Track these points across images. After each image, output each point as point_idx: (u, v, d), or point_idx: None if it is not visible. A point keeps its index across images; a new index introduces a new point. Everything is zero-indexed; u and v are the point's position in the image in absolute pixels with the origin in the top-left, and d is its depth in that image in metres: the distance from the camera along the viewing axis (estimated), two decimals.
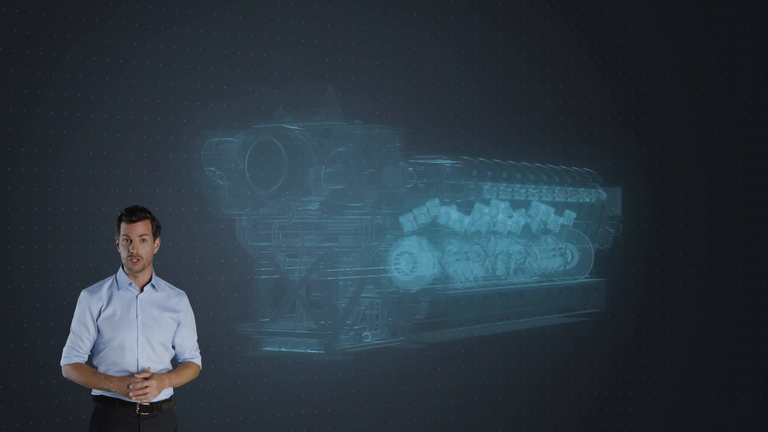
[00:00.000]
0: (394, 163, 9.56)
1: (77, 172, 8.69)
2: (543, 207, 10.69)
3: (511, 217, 10.57)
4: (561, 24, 10.55)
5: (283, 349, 9.68)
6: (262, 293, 9.78)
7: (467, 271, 10.20)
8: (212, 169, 9.54)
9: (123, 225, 4.89)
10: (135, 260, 4.89)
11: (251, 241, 9.68)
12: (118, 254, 4.96)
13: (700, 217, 10.65)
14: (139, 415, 4.87)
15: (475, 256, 10.25)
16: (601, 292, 10.83)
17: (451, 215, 10.09)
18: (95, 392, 4.91)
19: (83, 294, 4.94)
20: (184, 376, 5.03)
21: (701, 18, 10.60)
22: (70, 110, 8.63)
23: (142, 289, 4.96)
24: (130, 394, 4.80)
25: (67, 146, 8.62)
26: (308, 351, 9.61)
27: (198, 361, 5.12)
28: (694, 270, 10.63)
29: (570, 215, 10.80)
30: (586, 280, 11.03)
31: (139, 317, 4.92)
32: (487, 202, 10.47)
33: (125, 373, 4.87)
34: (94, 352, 4.94)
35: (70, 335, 4.92)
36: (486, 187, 10.37)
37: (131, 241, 4.88)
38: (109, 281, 4.97)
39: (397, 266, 9.85)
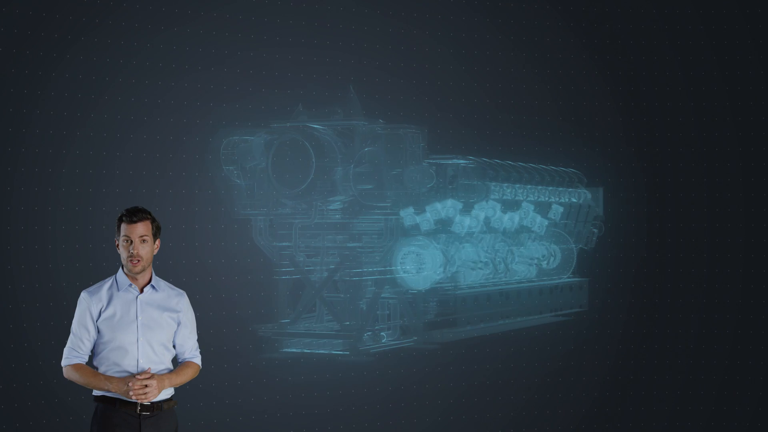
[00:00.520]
0: (418, 162, 9.60)
1: (77, 172, 8.69)
2: (531, 207, 10.70)
3: (512, 217, 10.59)
4: (549, 23, 10.55)
5: (306, 350, 9.68)
6: (282, 294, 9.76)
7: (477, 273, 10.22)
8: (231, 168, 9.52)
9: (123, 226, 4.90)
10: (135, 261, 4.90)
11: (269, 241, 9.66)
12: (118, 255, 4.96)
13: (683, 217, 10.65)
14: (140, 415, 4.88)
15: (486, 256, 10.28)
16: (584, 292, 10.86)
17: (459, 215, 10.09)
18: (96, 392, 4.92)
19: (83, 295, 4.95)
20: (185, 376, 5.03)
21: (701, 18, 10.60)
22: (70, 110, 8.63)
23: (142, 290, 4.97)
24: (130, 394, 4.81)
25: (67, 146, 8.62)
26: (333, 352, 9.62)
27: (198, 360, 5.13)
28: (681, 269, 10.63)
29: (557, 209, 10.82)
30: (569, 279, 11.06)
31: (139, 318, 4.92)
32: (517, 204, 10.53)
33: (126, 374, 4.88)
34: (94, 353, 4.94)
35: (71, 336, 4.93)
36: (494, 187, 10.41)
37: (131, 241, 4.89)
38: (108, 282, 4.98)
39: (405, 266, 9.85)
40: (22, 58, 8.35)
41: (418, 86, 10.21)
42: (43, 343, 8.25)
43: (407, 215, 9.68)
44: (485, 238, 10.42)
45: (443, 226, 9.92)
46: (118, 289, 4.95)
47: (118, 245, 4.95)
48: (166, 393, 4.98)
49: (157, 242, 4.98)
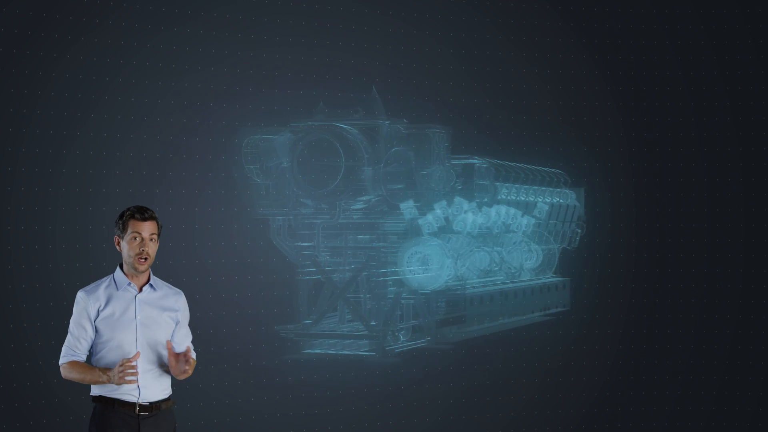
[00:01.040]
0: (443, 162, 9.61)
1: (77, 172, 8.70)
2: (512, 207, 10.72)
3: (519, 217, 10.62)
4: (549, 23, 10.55)
5: (331, 351, 9.68)
6: (303, 294, 9.74)
7: (481, 272, 10.24)
8: (252, 167, 9.49)
9: (133, 223, 4.84)
10: (143, 259, 4.86)
11: (288, 241, 9.65)
12: (118, 254, 4.94)
13: (683, 217, 10.64)
14: (138, 415, 4.87)
15: (495, 256, 10.30)
16: (566, 291, 10.88)
17: (469, 215, 10.10)
18: (94, 393, 4.91)
19: (80, 294, 4.91)
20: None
21: (701, 18, 10.60)
22: (70, 110, 8.64)
23: (140, 289, 4.96)
24: (120, 376, 4.75)
25: (67, 146, 8.63)
26: (359, 353, 9.62)
27: (194, 358, 5.13)
28: (668, 269, 10.63)
29: (542, 209, 10.83)
30: (552, 279, 11.08)
31: (138, 317, 4.91)
32: (531, 206, 10.55)
33: None
34: (92, 353, 4.93)
35: (68, 336, 4.91)
36: (504, 187, 10.43)
37: (142, 239, 4.85)
38: (106, 281, 4.95)
39: (414, 267, 9.85)
40: (22, 58, 8.35)
41: (419, 86, 10.20)
42: (43, 343, 8.25)
43: (407, 208, 9.66)
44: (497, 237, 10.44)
45: (448, 225, 9.93)
46: (117, 288, 4.92)
47: (118, 243, 4.92)
48: (164, 393, 4.98)
49: (158, 243, 4.97)
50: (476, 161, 10.10)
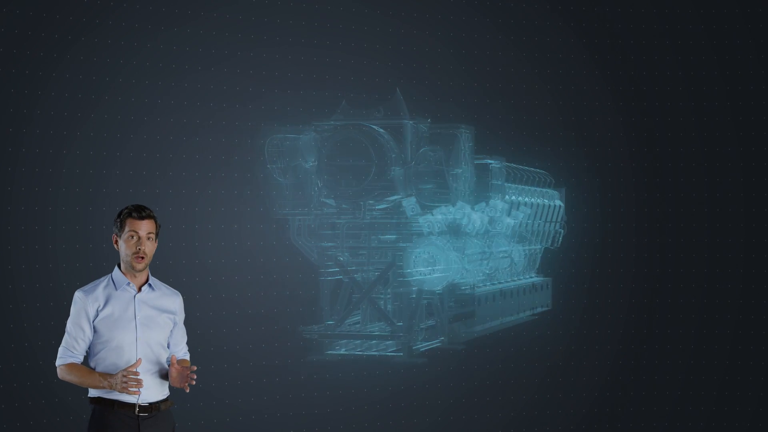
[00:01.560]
0: (469, 162, 9.62)
1: (77, 172, 8.70)
2: (501, 205, 10.73)
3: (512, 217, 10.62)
4: (550, 23, 10.54)
5: (357, 352, 9.67)
6: (325, 295, 9.73)
7: (482, 272, 10.26)
8: (274, 166, 9.47)
9: (130, 221, 4.83)
10: (140, 258, 4.85)
11: (310, 240, 9.63)
12: (117, 254, 4.93)
13: (683, 217, 10.65)
14: (138, 416, 4.85)
15: (496, 256, 10.33)
16: (547, 291, 10.89)
17: (472, 216, 10.11)
18: (92, 394, 4.88)
19: (78, 294, 4.88)
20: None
21: (701, 17, 10.59)
22: (70, 110, 8.64)
23: (139, 289, 4.95)
24: (123, 386, 4.74)
25: (67, 146, 8.63)
26: (387, 354, 9.63)
27: (188, 359, 5.13)
28: (669, 269, 10.64)
29: (525, 210, 10.85)
30: (536, 278, 11.10)
31: (138, 317, 4.89)
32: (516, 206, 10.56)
33: None
34: (91, 353, 4.89)
35: (65, 336, 4.87)
36: (511, 188, 10.46)
37: (139, 237, 4.84)
38: (104, 281, 4.92)
39: (421, 267, 9.85)
40: (22, 58, 8.36)
41: (419, 86, 10.21)
42: (43, 343, 8.25)
43: (409, 206, 9.65)
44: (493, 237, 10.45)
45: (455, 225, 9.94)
46: (116, 288, 4.90)
47: (116, 242, 4.90)
48: (164, 393, 4.97)
49: (156, 242, 4.96)
50: (490, 161, 10.12)
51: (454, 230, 9.71)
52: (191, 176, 9.39)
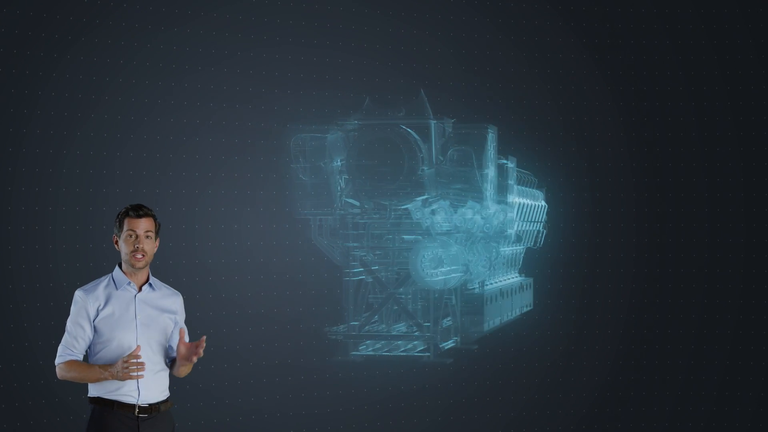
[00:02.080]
0: (494, 162, 9.63)
1: (77, 172, 8.70)
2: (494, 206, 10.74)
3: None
4: (549, 22, 10.54)
5: (385, 352, 9.68)
6: (350, 295, 9.73)
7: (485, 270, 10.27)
8: (299, 165, 9.48)
9: (128, 220, 4.85)
10: (139, 256, 4.85)
11: (333, 240, 9.63)
12: (118, 254, 4.94)
13: (683, 216, 10.65)
14: (137, 416, 4.85)
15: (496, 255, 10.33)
16: (529, 291, 10.90)
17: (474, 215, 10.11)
18: (92, 394, 4.88)
19: (79, 294, 4.89)
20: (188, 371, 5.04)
21: (701, 17, 10.59)
22: (70, 110, 8.64)
23: (140, 289, 4.95)
24: (125, 372, 4.73)
25: (67, 146, 8.63)
26: (414, 354, 9.63)
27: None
28: (669, 269, 10.64)
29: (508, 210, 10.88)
30: (519, 278, 11.11)
31: (138, 317, 4.89)
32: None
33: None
34: (91, 353, 4.88)
35: (65, 335, 4.87)
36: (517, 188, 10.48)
37: (137, 236, 4.85)
38: (105, 280, 4.93)
39: (424, 266, 9.85)
40: (22, 58, 8.36)
41: (418, 85, 10.20)
42: (43, 342, 8.24)
43: (415, 209, 9.64)
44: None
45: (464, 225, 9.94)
46: (116, 288, 4.90)
47: (116, 242, 4.91)
48: (163, 394, 4.96)
49: (157, 241, 4.97)
50: (505, 162, 10.14)
51: (469, 230, 9.74)
52: (191, 176, 9.39)
